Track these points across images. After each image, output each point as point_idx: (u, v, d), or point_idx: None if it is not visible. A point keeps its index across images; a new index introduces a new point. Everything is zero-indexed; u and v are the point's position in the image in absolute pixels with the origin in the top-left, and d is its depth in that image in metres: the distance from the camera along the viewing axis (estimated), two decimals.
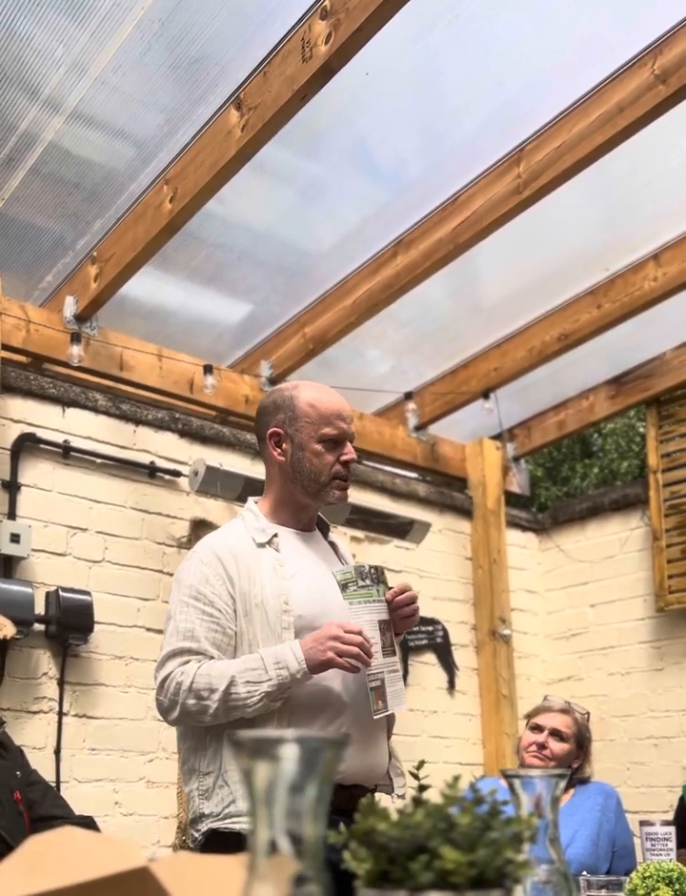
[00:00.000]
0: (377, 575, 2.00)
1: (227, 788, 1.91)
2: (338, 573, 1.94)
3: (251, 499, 2.17)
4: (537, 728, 2.91)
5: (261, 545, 2.02)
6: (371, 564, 2.03)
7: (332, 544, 2.18)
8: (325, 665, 1.84)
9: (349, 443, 2.05)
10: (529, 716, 3.02)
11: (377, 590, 1.99)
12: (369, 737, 1.97)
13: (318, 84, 2.59)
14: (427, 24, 2.69)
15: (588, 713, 3.06)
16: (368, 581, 1.97)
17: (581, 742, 2.93)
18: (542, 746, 2.86)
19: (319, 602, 1.96)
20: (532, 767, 2.83)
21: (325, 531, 2.19)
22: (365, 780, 1.97)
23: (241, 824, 1.85)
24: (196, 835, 1.96)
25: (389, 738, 2.08)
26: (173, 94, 2.84)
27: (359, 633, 1.86)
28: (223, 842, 1.88)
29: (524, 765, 2.90)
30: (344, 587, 1.94)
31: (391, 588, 2.03)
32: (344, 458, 2.03)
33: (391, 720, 2.08)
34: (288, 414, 2.05)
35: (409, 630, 2.12)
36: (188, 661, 1.91)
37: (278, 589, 1.95)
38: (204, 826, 1.94)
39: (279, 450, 2.04)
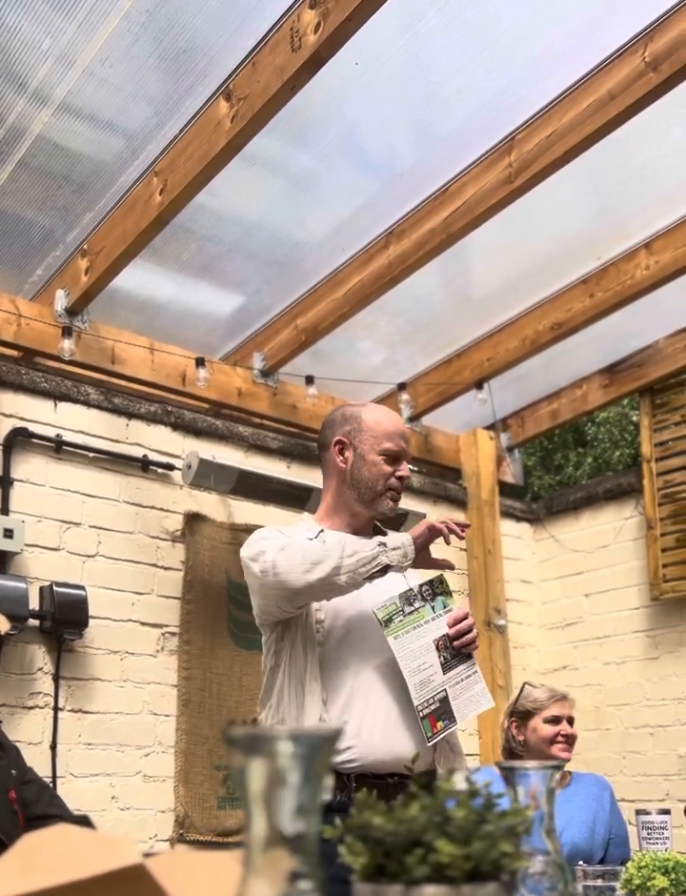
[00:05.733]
0: (432, 590, 2.11)
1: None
2: (379, 610, 2.04)
3: (306, 514, 2.36)
4: (556, 720, 2.88)
5: (310, 540, 2.16)
6: (426, 580, 2.12)
7: None
8: (432, 533, 2.10)
9: (406, 463, 2.23)
10: (533, 710, 2.93)
11: (433, 606, 2.09)
12: (399, 724, 2.03)
13: (308, 74, 2.57)
14: (416, 12, 2.68)
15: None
16: (418, 603, 2.07)
17: None
18: (568, 737, 2.84)
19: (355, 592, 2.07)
20: (564, 760, 2.77)
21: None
22: (401, 768, 2.03)
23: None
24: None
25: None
26: (162, 86, 2.82)
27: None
28: None
29: (545, 758, 2.81)
30: (388, 623, 2.03)
31: (451, 596, 2.16)
32: (400, 473, 2.21)
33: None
34: (354, 426, 2.24)
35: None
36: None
37: None
38: None
39: (342, 457, 2.23)
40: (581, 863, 2.13)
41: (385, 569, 2.01)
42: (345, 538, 2.05)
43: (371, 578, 2.00)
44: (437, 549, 2.23)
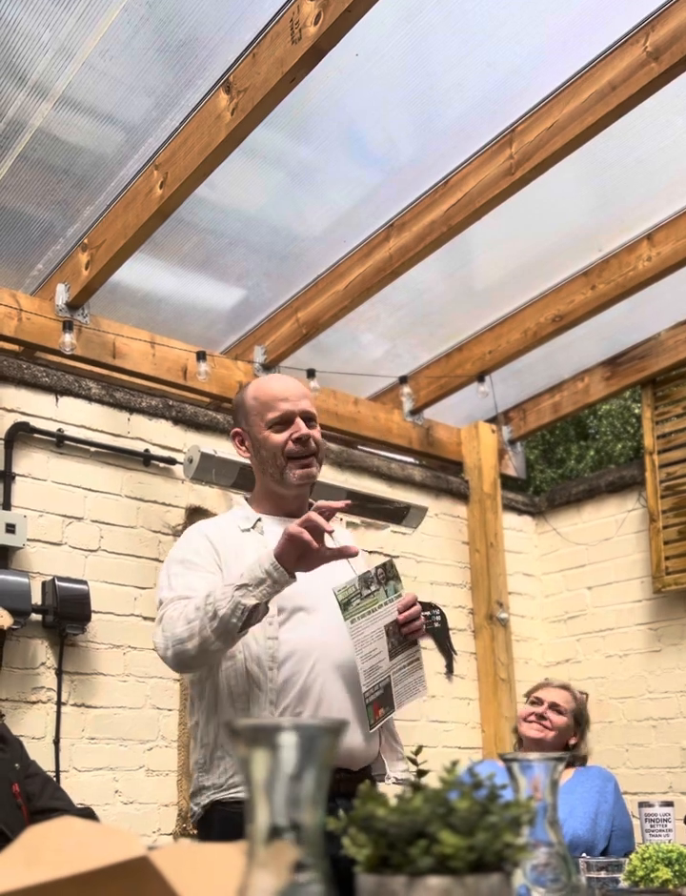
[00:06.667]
0: (386, 574, 2.03)
1: (228, 759, 1.94)
2: (339, 592, 1.93)
3: (242, 495, 2.23)
4: (538, 701, 2.97)
5: (246, 531, 2.08)
6: (379, 564, 2.04)
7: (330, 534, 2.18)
8: (292, 543, 1.81)
9: (299, 420, 2.06)
10: (529, 693, 3.08)
11: (386, 591, 2.02)
12: (352, 717, 1.97)
13: (308, 66, 2.57)
14: (416, 3, 2.67)
15: (587, 695, 3.10)
16: (374, 587, 2.00)
17: (579, 719, 2.99)
18: (541, 717, 2.91)
19: (300, 580, 1.93)
20: (529, 739, 2.89)
21: None
22: (347, 763, 1.98)
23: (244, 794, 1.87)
24: (196, 808, 2.00)
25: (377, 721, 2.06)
26: (162, 78, 2.81)
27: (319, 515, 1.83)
28: (227, 811, 1.93)
29: (522, 739, 2.95)
30: (346, 605, 1.94)
31: (401, 582, 2.07)
32: (295, 435, 2.04)
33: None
34: (241, 413, 2.13)
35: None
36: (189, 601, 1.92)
37: None
38: (205, 799, 1.97)
39: (243, 448, 2.13)
40: (584, 854, 2.14)
41: (264, 606, 1.85)
42: (212, 594, 1.86)
43: (248, 623, 1.84)
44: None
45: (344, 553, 1.87)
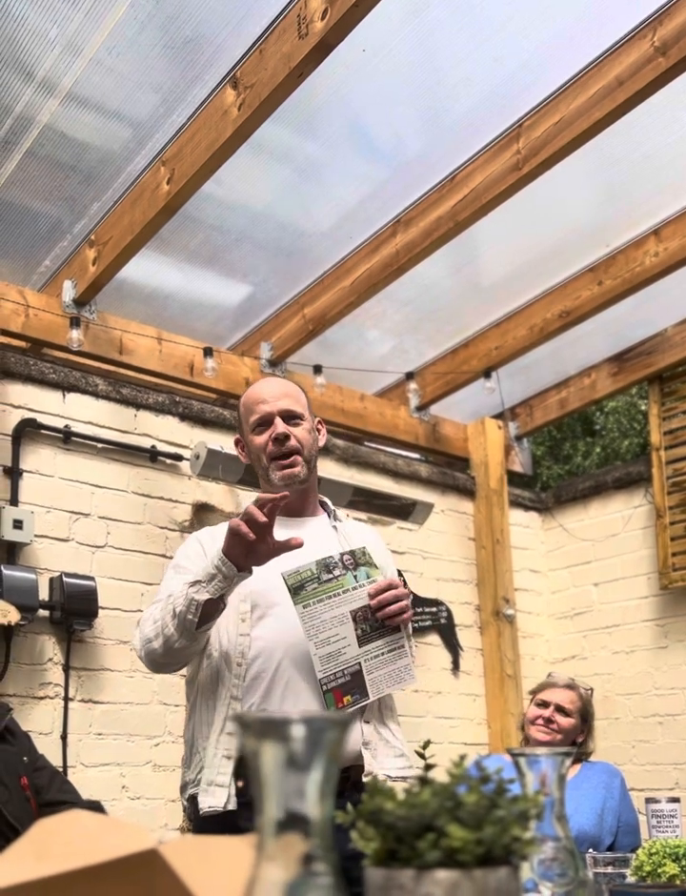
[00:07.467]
0: (355, 560, 1.98)
1: (198, 755, 1.98)
2: (289, 576, 1.91)
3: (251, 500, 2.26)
4: (543, 704, 2.97)
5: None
6: (347, 550, 2.00)
7: (336, 529, 2.18)
8: (234, 538, 1.83)
9: (278, 420, 2.08)
10: (534, 692, 3.09)
11: (355, 575, 1.98)
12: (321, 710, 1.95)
13: (315, 61, 2.57)
14: None
15: (592, 689, 3.11)
16: (338, 571, 1.96)
17: (585, 717, 2.99)
18: (549, 721, 2.93)
19: (272, 576, 1.93)
20: (537, 741, 2.90)
21: (332, 515, 2.21)
22: None
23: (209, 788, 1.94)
24: (185, 802, 2.05)
25: (361, 715, 2.01)
26: (169, 74, 2.81)
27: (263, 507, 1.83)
28: (197, 806, 1.95)
29: (529, 739, 2.96)
30: (298, 589, 1.91)
31: (376, 568, 2.02)
32: (273, 435, 2.07)
33: (384, 698, 2.04)
34: (238, 420, 2.20)
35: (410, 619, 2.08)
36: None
37: None
38: (187, 793, 2.02)
39: (244, 454, 2.19)
40: (591, 850, 2.14)
41: (221, 599, 1.88)
42: (173, 593, 1.93)
43: (204, 618, 1.87)
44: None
45: (289, 545, 1.86)
